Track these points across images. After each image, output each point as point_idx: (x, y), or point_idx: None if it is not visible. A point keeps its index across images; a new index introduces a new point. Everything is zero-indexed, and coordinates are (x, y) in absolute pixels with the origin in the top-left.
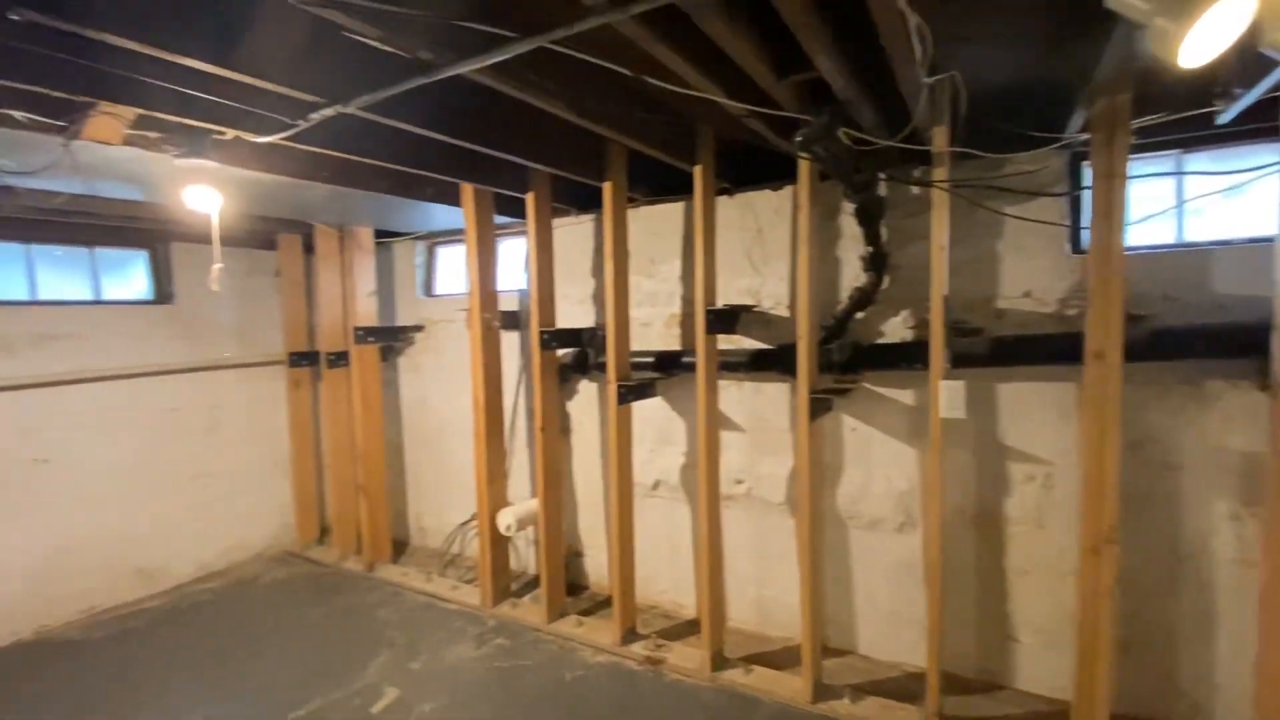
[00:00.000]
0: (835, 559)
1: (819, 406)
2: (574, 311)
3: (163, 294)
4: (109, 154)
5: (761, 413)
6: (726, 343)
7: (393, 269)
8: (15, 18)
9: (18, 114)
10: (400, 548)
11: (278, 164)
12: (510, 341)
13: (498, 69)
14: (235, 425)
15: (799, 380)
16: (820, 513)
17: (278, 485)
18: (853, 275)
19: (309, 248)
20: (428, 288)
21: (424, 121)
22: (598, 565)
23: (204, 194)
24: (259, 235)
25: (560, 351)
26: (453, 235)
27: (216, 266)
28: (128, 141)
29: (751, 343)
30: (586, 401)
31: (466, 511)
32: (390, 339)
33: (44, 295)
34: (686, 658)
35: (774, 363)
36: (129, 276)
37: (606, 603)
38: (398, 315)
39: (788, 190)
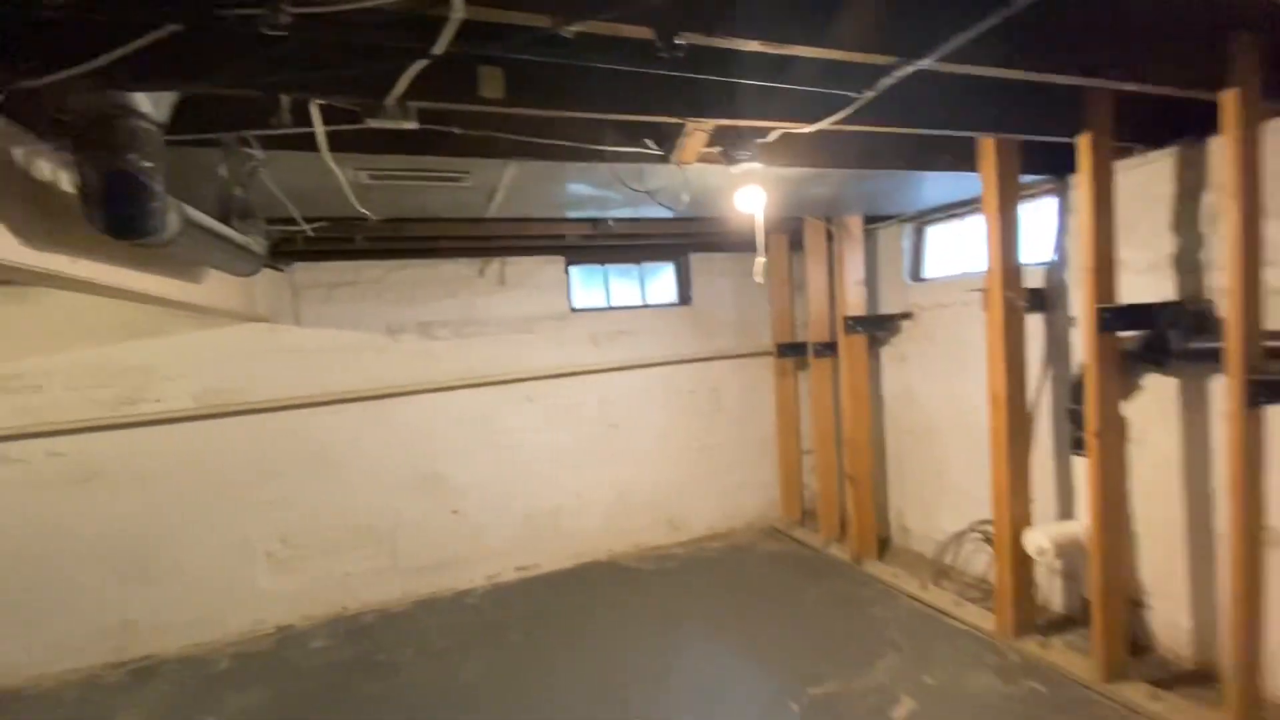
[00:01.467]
0: None
1: None
2: (1133, 284)
3: (684, 297)
4: (673, 175)
5: None
6: None
7: (876, 256)
8: (680, 41)
9: (638, 149)
10: (883, 544)
11: (810, 156)
12: (1031, 327)
13: None
14: (731, 408)
15: None
16: None
17: (763, 464)
18: None
19: (794, 245)
20: (914, 272)
21: (982, 57)
22: (1172, 624)
23: (752, 194)
24: (752, 240)
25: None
26: (943, 211)
27: (760, 260)
28: (700, 159)
29: None
30: (1155, 401)
31: (961, 519)
32: (877, 328)
33: (614, 302)
34: None
35: None
36: (662, 283)
37: (1191, 678)
38: (882, 303)
39: None
